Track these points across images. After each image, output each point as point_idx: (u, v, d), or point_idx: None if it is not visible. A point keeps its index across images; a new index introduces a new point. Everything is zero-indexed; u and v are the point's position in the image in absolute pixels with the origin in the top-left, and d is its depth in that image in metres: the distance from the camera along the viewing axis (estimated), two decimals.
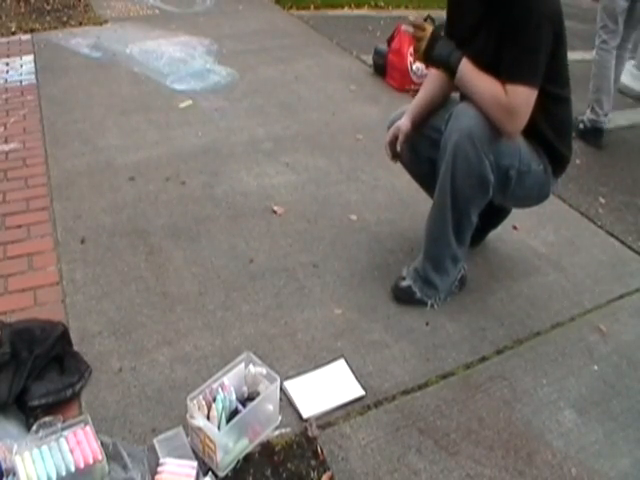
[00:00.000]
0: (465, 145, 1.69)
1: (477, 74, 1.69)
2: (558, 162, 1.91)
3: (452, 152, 1.72)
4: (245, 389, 1.53)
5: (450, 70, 1.74)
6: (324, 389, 1.65)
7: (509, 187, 1.83)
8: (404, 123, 1.97)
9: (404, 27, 1.57)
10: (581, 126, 3.39)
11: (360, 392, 1.66)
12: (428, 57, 1.76)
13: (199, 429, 1.39)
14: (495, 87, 1.65)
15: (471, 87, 1.71)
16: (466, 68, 1.70)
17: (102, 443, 1.36)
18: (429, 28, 1.75)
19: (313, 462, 1.46)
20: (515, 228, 2.45)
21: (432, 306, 1.98)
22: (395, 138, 1.99)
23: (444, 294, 1.99)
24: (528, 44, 1.61)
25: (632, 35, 3.29)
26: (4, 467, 1.30)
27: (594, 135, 3.35)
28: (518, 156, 1.79)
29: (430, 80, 2.01)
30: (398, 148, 1.99)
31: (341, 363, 1.75)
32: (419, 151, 2.01)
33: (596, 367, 1.83)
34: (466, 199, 1.79)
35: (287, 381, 1.65)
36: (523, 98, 1.63)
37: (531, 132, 1.76)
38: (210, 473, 1.40)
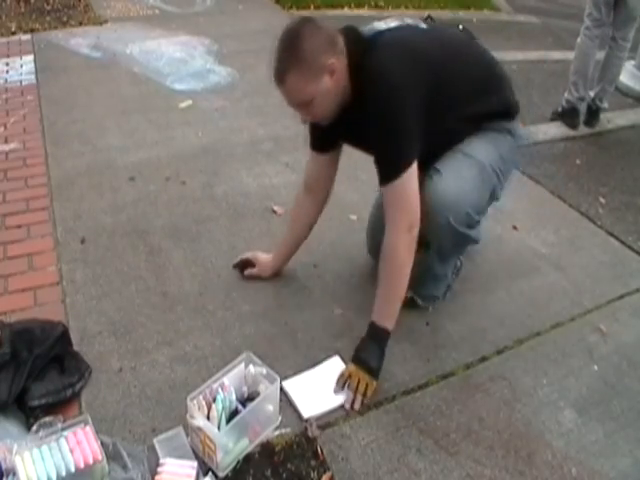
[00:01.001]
0: (446, 235, 1.69)
1: (387, 302, 1.64)
2: (507, 109, 1.75)
3: (437, 236, 1.73)
4: (245, 389, 1.53)
5: (388, 333, 1.66)
6: (322, 388, 1.65)
7: (500, 189, 1.78)
8: (264, 270, 2.00)
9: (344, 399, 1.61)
10: (559, 109, 3.54)
11: None
12: (377, 371, 1.65)
13: (199, 429, 1.39)
14: (394, 272, 1.61)
15: (397, 295, 1.63)
16: (390, 313, 1.64)
17: (102, 443, 1.36)
18: (352, 370, 1.64)
19: (313, 462, 1.46)
20: (515, 228, 2.45)
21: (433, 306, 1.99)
22: (250, 262, 2.01)
23: (443, 295, 1.99)
24: (388, 137, 1.51)
25: (627, 32, 3.25)
26: (4, 467, 1.30)
27: (570, 115, 3.47)
28: (495, 178, 1.71)
29: (295, 219, 1.96)
30: (246, 274, 2.02)
31: (336, 360, 1.76)
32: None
33: (596, 367, 1.83)
34: (450, 252, 1.83)
35: (284, 381, 1.65)
36: (397, 192, 1.54)
37: (474, 124, 1.69)
38: (210, 473, 1.40)
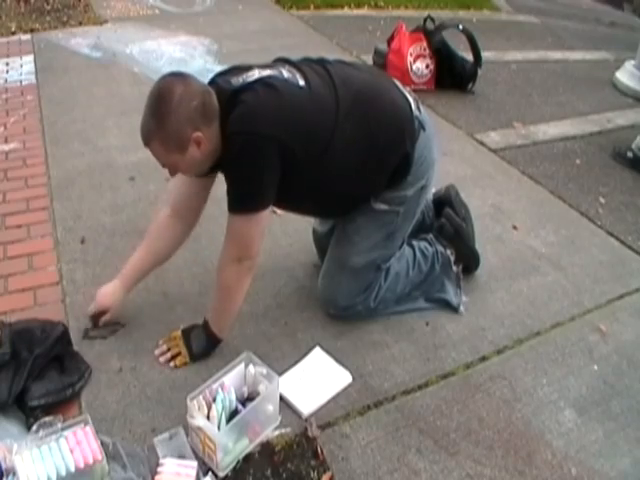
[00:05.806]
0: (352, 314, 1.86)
1: (217, 315, 1.70)
2: (406, 160, 1.69)
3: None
4: (245, 389, 1.53)
5: (218, 339, 1.72)
6: (313, 382, 1.67)
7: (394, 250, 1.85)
8: (112, 298, 1.75)
9: None
10: (630, 155, 3.08)
11: (348, 378, 1.69)
12: (196, 357, 1.70)
13: (199, 429, 1.39)
14: (225, 290, 1.66)
15: (229, 308, 1.69)
16: (217, 324, 1.70)
17: (102, 443, 1.36)
18: (178, 334, 1.73)
19: (313, 462, 1.46)
20: (515, 228, 2.45)
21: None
22: (102, 313, 1.76)
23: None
24: (237, 176, 1.53)
25: None
26: (4, 467, 1.30)
27: None
28: (376, 266, 1.81)
29: (157, 244, 1.77)
30: (102, 324, 1.78)
31: (317, 351, 1.77)
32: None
33: (596, 367, 1.83)
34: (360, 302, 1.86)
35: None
36: (235, 226, 1.57)
37: (363, 201, 1.73)
38: (210, 473, 1.40)
